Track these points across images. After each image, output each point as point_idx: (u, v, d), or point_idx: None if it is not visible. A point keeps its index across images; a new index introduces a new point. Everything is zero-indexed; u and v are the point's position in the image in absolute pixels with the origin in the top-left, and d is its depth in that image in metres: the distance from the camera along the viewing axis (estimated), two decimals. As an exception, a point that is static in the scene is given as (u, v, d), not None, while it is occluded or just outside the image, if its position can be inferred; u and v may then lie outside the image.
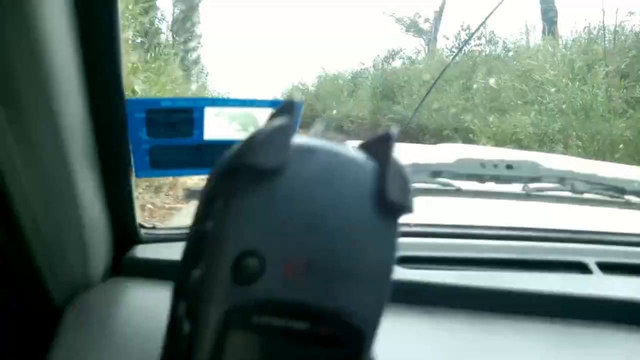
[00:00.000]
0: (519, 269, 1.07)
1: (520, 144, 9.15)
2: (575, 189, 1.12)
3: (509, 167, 1.10)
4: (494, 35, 15.95)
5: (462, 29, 16.30)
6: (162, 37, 22.94)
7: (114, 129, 0.84)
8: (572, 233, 1.18)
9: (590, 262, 1.06)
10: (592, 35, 11.76)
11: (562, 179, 1.13)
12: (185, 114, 0.84)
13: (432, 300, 0.96)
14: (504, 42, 15.53)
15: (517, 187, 1.15)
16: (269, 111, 0.69)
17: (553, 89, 8.87)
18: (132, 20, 20.70)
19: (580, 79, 8.57)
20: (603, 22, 10.44)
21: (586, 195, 1.14)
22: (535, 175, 1.11)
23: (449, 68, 15.22)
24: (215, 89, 19.99)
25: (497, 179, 1.11)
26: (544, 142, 8.73)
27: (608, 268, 1.07)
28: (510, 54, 14.54)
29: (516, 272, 1.06)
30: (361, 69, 20.90)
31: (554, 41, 13.50)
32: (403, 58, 19.71)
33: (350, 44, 26.66)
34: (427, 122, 14.15)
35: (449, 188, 1.13)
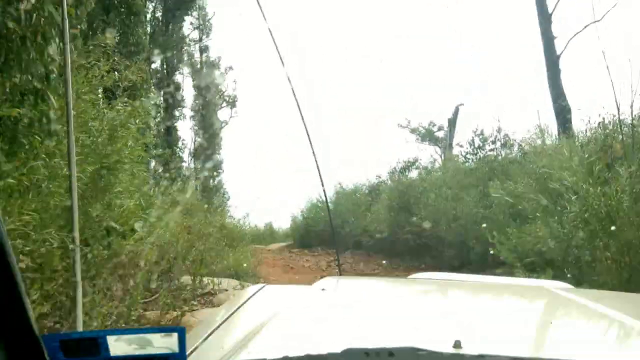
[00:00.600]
0: None
1: (543, 257, 8.32)
2: None
3: (390, 354, 1.08)
4: (509, 138, 15.45)
5: (476, 135, 15.80)
6: (184, 165, 23.12)
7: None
8: None
9: None
10: (607, 130, 11.13)
11: None
12: (91, 340, 1.02)
13: None
14: (520, 145, 14.95)
15: None
16: (158, 336, 1.04)
17: (574, 197, 8.09)
18: (153, 151, 20.71)
19: (601, 182, 7.81)
20: (618, 116, 9.78)
21: None
22: None
23: (465, 175, 14.65)
24: (235, 213, 19.68)
25: None
26: (568, 255, 7.90)
27: None
28: (526, 156, 13.85)
29: None
30: (378, 181, 20.52)
31: (570, 140, 12.94)
32: (419, 168, 19.31)
33: (367, 157, 26.42)
34: (445, 235, 13.42)
35: None
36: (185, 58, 24.16)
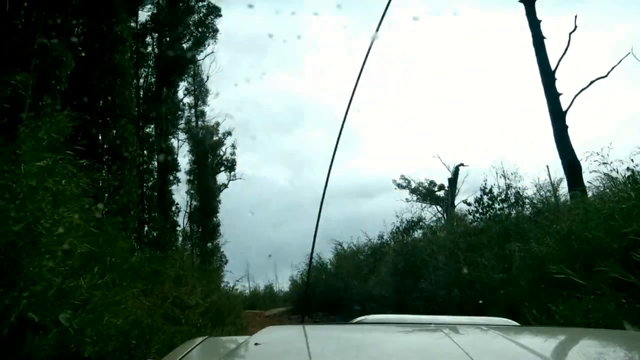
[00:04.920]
0: None
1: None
2: None
3: None
4: (520, 195, 13.75)
5: (484, 193, 14.10)
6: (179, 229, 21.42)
7: None
8: None
9: None
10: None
11: None
12: None
13: None
14: (532, 202, 13.25)
15: None
16: None
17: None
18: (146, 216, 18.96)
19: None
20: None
21: None
22: None
23: (476, 236, 12.87)
24: (231, 278, 17.97)
25: None
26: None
27: None
28: (540, 214, 12.08)
29: None
30: (381, 242, 18.68)
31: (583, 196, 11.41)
32: (424, 228, 17.49)
33: (366, 215, 24.69)
34: (460, 301, 11.52)
35: None
36: (181, 123, 22.83)
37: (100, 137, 16.46)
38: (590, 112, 28.69)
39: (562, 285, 8.10)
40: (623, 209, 7.20)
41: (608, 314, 5.88)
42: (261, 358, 1.90)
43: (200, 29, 21.83)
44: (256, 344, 1.96)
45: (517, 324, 2.92)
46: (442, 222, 20.83)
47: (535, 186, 14.67)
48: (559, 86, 15.43)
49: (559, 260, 9.08)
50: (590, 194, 11.71)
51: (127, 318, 5.57)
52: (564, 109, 15.31)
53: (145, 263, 9.66)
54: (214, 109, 25.52)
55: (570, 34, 15.45)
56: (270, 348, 2.04)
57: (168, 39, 20.27)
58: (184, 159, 22.83)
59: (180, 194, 21.92)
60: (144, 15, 19.15)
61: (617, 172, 9.67)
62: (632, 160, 9.36)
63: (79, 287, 4.74)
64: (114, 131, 16.70)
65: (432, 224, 18.46)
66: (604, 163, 10.00)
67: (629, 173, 8.98)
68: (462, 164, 24.42)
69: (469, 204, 15.13)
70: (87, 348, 4.21)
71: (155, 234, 18.29)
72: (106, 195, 16.17)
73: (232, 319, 10.96)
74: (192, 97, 24.18)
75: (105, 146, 16.83)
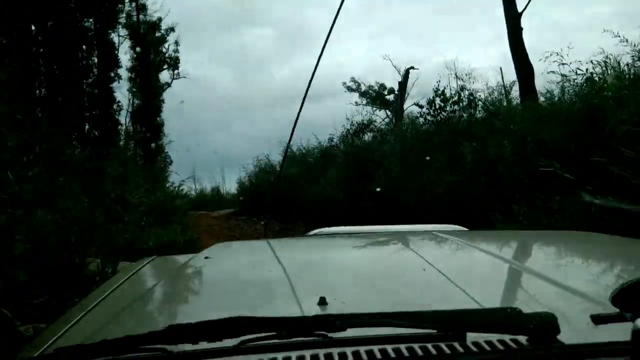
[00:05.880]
0: None
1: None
2: None
3: (217, 327, 0.95)
4: (473, 97, 13.47)
5: (437, 94, 13.75)
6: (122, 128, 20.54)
7: None
8: None
9: None
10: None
11: None
12: None
13: None
14: (485, 105, 13.00)
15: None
16: None
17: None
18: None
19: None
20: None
21: None
22: None
23: (428, 138, 12.63)
24: (177, 179, 17.48)
25: None
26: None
27: None
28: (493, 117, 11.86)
29: None
30: (331, 144, 18.34)
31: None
32: (374, 130, 17.15)
33: (315, 118, 24.28)
34: (413, 205, 11.34)
35: None
36: (121, 16, 21.26)
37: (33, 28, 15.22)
38: (548, 17, 28.40)
39: (519, 187, 8.00)
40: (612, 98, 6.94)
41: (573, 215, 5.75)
42: (213, 271, 1.88)
43: None
44: (206, 257, 1.91)
45: (466, 229, 2.93)
46: (392, 125, 20.60)
47: (488, 89, 14.44)
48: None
49: (513, 163, 8.97)
50: (542, 98, 11.57)
51: (65, 214, 5.07)
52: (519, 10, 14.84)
53: (86, 160, 9.05)
54: (155, 2, 23.87)
55: None
56: (222, 262, 2.01)
57: None
58: (125, 56, 21.52)
59: (122, 91, 20.86)
60: None
61: (577, 72, 9.43)
62: (592, 62, 9.14)
63: (5, 180, 4.20)
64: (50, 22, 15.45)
65: (382, 127, 18.17)
66: (562, 64, 9.73)
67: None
68: (412, 67, 23.93)
69: (421, 107, 14.83)
70: (18, 245, 3.73)
71: (96, 132, 17.44)
72: (42, 88, 15.15)
73: (178, 219, 10.53)
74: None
75: (39, 38, 15.59)
